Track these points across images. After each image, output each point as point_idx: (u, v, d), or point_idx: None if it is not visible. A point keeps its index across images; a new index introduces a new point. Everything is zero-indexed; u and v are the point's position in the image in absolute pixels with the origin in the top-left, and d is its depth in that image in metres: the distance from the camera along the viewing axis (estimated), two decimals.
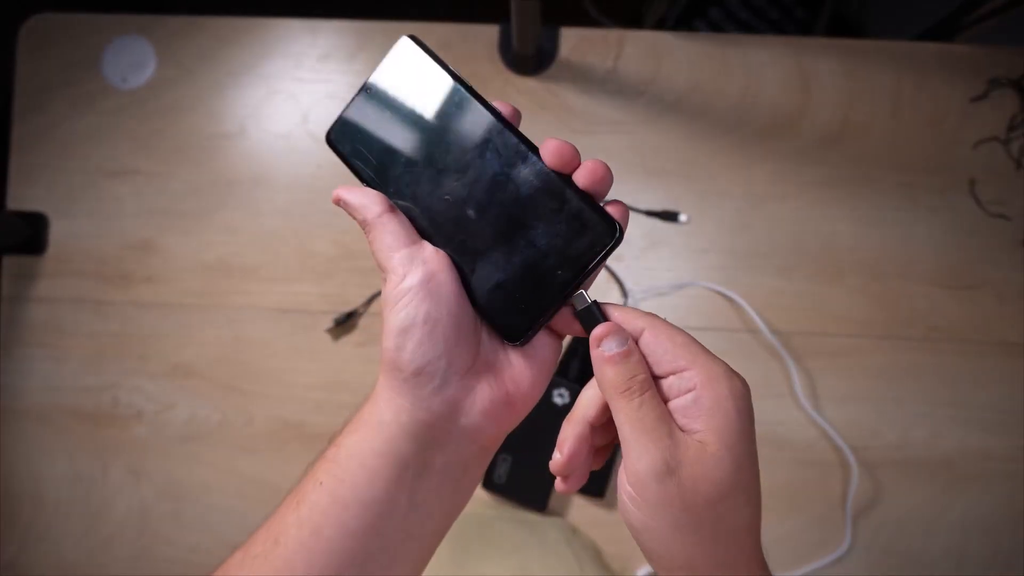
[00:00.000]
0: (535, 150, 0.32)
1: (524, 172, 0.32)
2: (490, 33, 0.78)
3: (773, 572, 0.31)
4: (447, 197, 0.33)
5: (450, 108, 0.33)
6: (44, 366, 0.76)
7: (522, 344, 0.32)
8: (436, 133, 0.33)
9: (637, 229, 0.76)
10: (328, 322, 0.74)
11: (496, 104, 0.33)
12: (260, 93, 0.79)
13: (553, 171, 0.31)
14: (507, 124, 0.32)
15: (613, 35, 0.78)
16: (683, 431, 0.28)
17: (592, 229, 0.31)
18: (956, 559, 0.70)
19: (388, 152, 0.34)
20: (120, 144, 0.78)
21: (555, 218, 0.31)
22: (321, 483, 0.30)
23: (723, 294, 0.74)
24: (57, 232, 0.77)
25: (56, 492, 0.74)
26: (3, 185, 0.79)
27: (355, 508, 0.30)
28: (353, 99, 0.34)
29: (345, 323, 0.74)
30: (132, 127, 0.78)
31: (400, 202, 0.33)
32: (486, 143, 0.32)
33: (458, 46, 0.78)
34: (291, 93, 0.79)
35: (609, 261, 0.75)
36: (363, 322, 0.75)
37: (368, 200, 0.32)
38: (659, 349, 0.30)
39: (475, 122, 0.32)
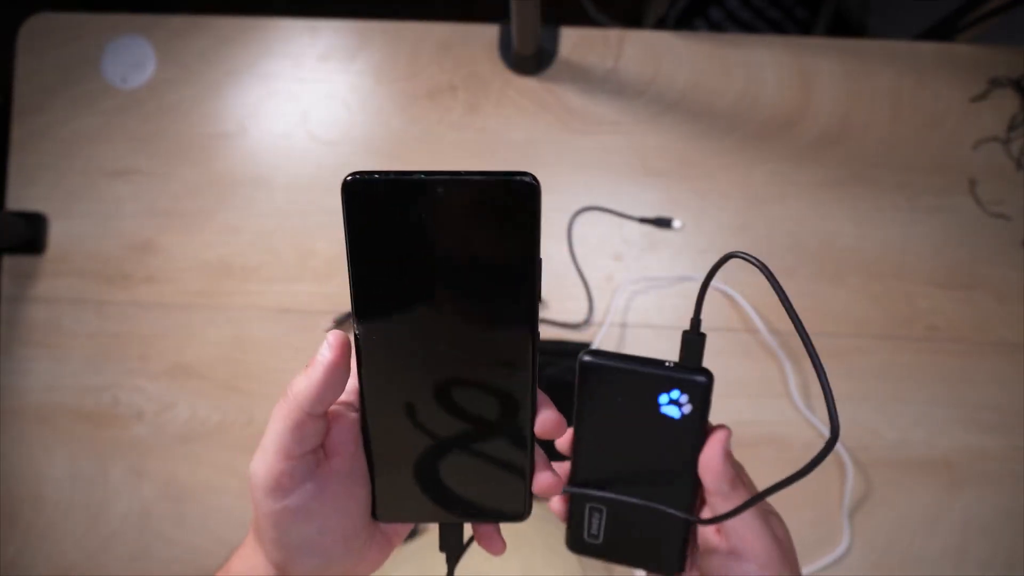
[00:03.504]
0: (534, 397, 0.29)
1: (508, 407, 0.29)
2: (490, 33, 0.78)
3: None
4: (423, 376, 0.29)
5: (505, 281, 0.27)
6: (44, 366, 0.76)
7: (383, 522, 0.32)
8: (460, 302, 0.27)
9: (636, 230, 0.76)
10: (328, 322, 0.74)
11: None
12: (260, 93, 0.79)
13: (532, 433, 0.29)
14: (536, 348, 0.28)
15: (613, 35, 0.78)
16: None
17: (512, 501, 0.31)
18: (956, 559, 0.70)
19: (406, 276, 0.27)
20: (120, 144, 0.78)
21: (494, 462, 0.30)
22: None
23: (723, 291, 0.74)
24: (57, 232, 0.77)
25: (56, 492, 0.74)
26: (3, 185, 0.79)
27: None
28: (409, 177, 0.26)
29: (345, 323, 0.74)
30: (132, 127, 0.78)
31: (373, 327, 0.28)
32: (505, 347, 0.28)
33: (458, 46, 0.78)
34: (291, 93, 0.79)
35: (608, 260, 0.75)
36: None
37: (327, 379, 0.28)
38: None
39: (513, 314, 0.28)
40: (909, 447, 0.72)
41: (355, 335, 0.28)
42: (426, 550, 0.66)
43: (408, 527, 0.33)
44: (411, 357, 0.28)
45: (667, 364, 0.35)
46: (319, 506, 0.28)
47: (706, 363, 0.35)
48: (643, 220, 0.75)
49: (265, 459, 0.28)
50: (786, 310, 0.28)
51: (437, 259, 0.26)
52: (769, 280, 0.29)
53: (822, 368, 0.27)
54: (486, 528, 0.32)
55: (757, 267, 0.29)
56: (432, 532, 0.69)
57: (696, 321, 0.35)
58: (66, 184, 0.78)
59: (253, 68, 0.79)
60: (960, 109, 0.76)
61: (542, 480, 0.31)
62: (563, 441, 0.38)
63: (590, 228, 0.76)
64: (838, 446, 0.71)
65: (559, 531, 0.68)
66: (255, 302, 0.76)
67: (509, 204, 0.25)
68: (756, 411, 0.73)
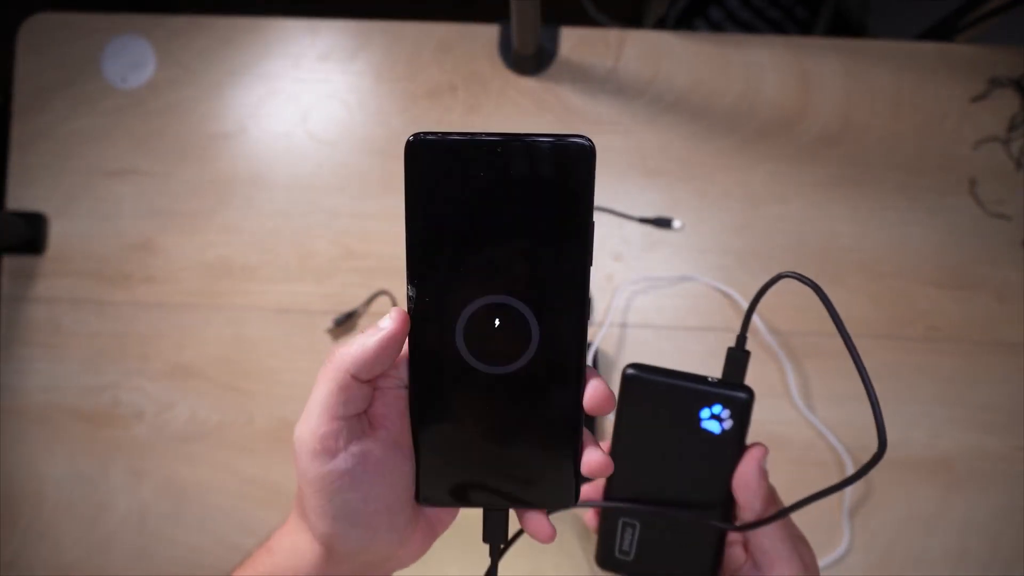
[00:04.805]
0: (583, 371, 0.28)
1: (557, 381, 0.28)
2: (490, 33, 0.78)
3: None
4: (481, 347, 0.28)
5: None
6: (44, 366, 0.76)
7: (426, 505, 0.31)
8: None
9: (636, 230, 0.76)
10: (328, 322, 0.74)
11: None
12: (260, 93, 0.79)
13: (581, 409, 0.28)
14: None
15: (613, 35, 0.78)
16: None
17: (560, 484, 0.29)
18: (956, 559, 0.70)
19: (468, 242, 0.27)
20: (120, 144, 0.78)
21: (541, 443, 0.29)
22: None
23: (723, 291, 0.74)
24: (57, 232, 0.77)
25: (56, 492, 0.74)
26: (3, 185, 0.79)
27: None
28: (470, 137, 0.27)
29: (345, 323, 0.74)
30: (132, 127, 0.78)
31: (426, 297, 0.27)
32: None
33: (458, 46, 0.78)
34: (291, 93, 0.79)
35: (607, 260, 0.75)
36: (363, 322, 0.75)
37: (381, 348, 0.28)
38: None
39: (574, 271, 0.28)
40: (909, 447, 0.72)
41: (408, 299, 0.28)
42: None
43: (452, 516, 0.33)
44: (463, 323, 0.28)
45: (710, 380, 0.36)
46: (364, 472, 0.28)
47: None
48: (643, 220, 0.75)
49: (309, 421, 0.27)
50: (839, 331, 0.29)
51: (494, 220, 0.27)
52: (822, 300, 0.30)
53: (872, 389, 0.28)
54: (534, 513, 0.30)
55: (810, 287, 0.30)
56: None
57: (742, 338, 0.36)
58: (66, 184, 0.78)
59: (253, 68, 0.79)
60: (960, 109, 0.76)
61: (591, 459, 0.29)
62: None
63: None
64: (838, 446, 0.71)
65: (568, 532, 0.68)
66: (255, 302, 0.76)
67: (565, 165, 0.26)
68: (755, 411, 0.72)
